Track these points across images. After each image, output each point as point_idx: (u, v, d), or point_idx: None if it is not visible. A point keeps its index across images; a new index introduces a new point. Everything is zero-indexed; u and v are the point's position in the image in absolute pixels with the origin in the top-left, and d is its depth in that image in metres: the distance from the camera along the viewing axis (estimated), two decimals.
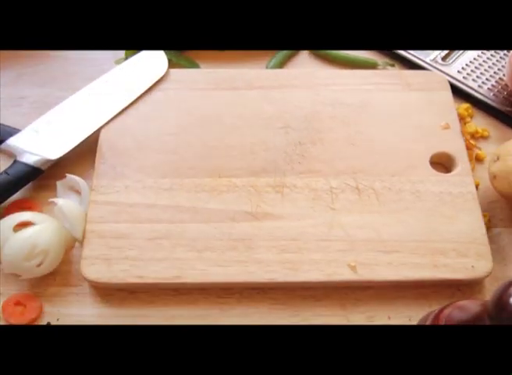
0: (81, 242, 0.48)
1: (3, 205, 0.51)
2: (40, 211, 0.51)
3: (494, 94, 0.62)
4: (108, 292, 0.48)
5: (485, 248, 0.49)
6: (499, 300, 0.34)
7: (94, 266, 0.47)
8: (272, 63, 0.63)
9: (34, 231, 0.46)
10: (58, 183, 0.53)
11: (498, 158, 0.49)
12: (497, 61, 0.64)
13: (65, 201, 0.49)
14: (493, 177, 0.49)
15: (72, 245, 0.49)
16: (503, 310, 0.34)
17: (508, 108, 0.61)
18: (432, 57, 0.64)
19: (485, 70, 0.64)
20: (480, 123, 0.61)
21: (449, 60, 0.64)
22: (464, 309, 0.42)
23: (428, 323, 0.44)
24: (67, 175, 0.53)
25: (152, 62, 0.60)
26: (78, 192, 0.53)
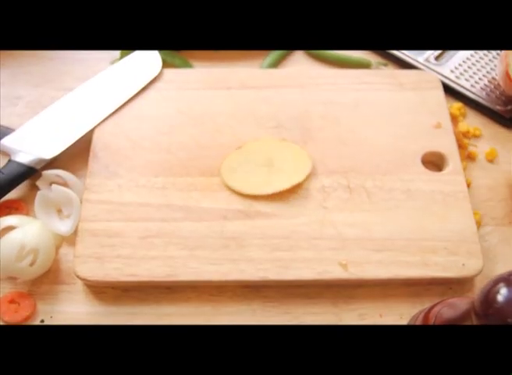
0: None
1: None
2: (32, 210, 0.51)
3: (487, 94, 0.62)
4: (101, 290, 0.48)
5: (476, 246, 0.49)
6: (486, 297, 0.34)
7: (87, 264, 0.47)
8: (265, 63, 0.64)
9: (19, 232, 0.46)
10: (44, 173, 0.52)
11: None
12: (489, 60, 0.65)
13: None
14: None
15: (60, 244, 0.50)
16: (489, 307, 0.34)
17: (500, 108, 0.61)
18: (424, 57, 0.64)
19: (478, 70, 0.64)
20: (472, 122, 0.61)
21: (442, 60, 0.64)
22: (453, 307, 0.42)
23: (418, 321, 0.44)
24: (42, 172, 0.52)
25: (146, 62, 0.60)
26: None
